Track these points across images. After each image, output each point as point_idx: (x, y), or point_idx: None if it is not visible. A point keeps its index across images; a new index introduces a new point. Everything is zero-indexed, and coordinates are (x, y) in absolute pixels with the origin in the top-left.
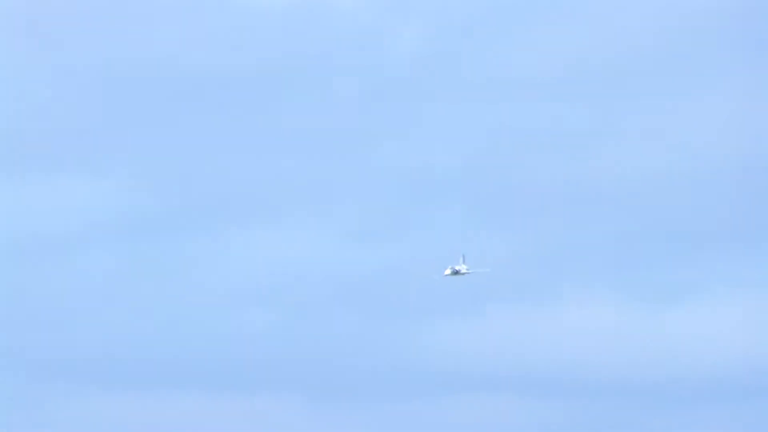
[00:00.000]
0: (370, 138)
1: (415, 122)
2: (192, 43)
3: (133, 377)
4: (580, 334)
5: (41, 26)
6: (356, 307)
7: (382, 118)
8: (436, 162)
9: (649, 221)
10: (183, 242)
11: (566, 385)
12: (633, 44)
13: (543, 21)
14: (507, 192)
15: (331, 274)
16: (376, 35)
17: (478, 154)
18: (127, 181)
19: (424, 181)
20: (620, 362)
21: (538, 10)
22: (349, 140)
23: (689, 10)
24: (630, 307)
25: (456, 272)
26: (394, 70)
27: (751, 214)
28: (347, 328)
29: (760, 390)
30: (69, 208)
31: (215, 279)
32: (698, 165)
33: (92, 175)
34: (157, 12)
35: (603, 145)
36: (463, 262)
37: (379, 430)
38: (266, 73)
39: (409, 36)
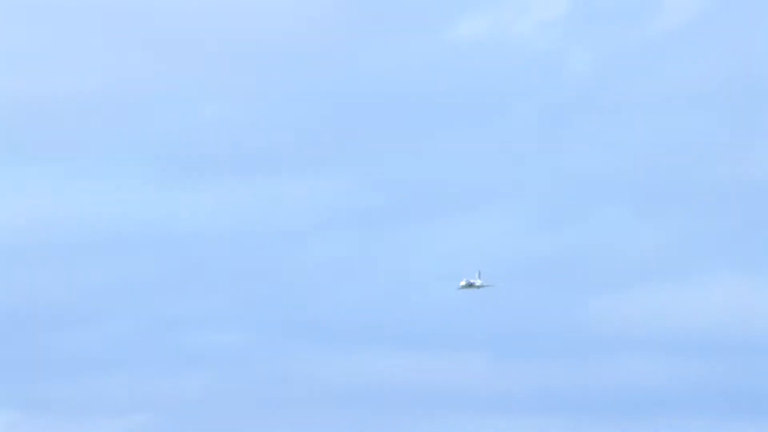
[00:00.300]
0: (552, 145)
1: (587, 132)
2: (402, 69)
3: (354, 340)
4: (718, 304)
5: (278, 50)
6: (536, 282)
7: (561, 130)
8: (604, 165)
9: None
10: (399, 230)
11: (704, 347)
12: None
13: (701, 42)
14: (662, 190)
15: (516, 256)
16: (553, 59)
17: (638, 159)
18: (355, 181)
19: (594, 181)
20: (749, 327)
21: (698, 34)
22: (534, 147)
23: None
24: (755, 281)
25: (470, 285)
26: (570, 89)
27: None
28: (529, 298)
29: None
30: (310, 204)
31: (424, 260)
32: None
33: (328, 177)
34: (376, 43)
35: (744, 151)
36: (479, 277)
37: (552, 383)
38: (462, 94)
39: (580, 60)
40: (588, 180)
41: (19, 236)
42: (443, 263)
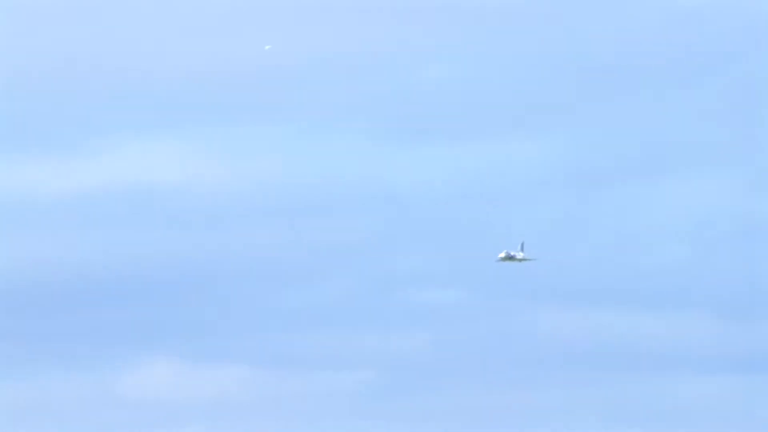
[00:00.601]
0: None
1: None
2: (623, 31)
3: (573, 298)
4: None
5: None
6: (756, 245)
7: None
8: None
9: None
10: (618, 190)
11: None
12: None
13: None
14: None
15: (734, 218)
16: None
17: None
18: (574, 141)
19: None
20: None
21: None
22: (756, 107)
23: None
24: None
25: (511, 257)
26: None
27: None
28: (747, 260)
29: None
30: (530, 163)
31: (643, 219)
32: None
33: (547, 136)
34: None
35: None
36: (521, 249)
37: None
38: (683, 55)
39: None
40: None
41: (248, 196)
42: (661, 223)
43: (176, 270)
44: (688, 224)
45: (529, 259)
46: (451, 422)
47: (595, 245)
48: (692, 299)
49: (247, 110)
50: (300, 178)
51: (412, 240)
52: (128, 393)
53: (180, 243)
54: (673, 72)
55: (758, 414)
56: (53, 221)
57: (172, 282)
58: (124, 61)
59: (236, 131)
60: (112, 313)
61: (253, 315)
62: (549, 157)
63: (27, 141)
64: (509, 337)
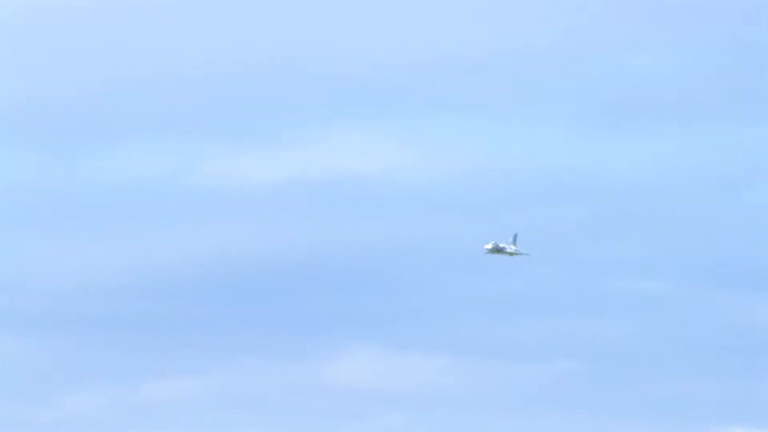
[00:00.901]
0: None
1: None
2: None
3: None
4: None
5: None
6: None
7: None
8: None
9: None
10: None
11: None
12: None
13: None
14: None
15: None
16: None
17: None
18: None
19: None
20: None
21: None
22: None
23: None
24: None
25: (499, 249)
26: None
27: None
28: None
29: None
30: (743, 151)
31: None
32: None
33: (751, 125)
34: None
35: None
36: (513, 242)
37: None
38: None
39: None
40: None
41: (452, 185)
42: None
43: (379, 258)
44: None
45: (521, 254)
46: (655, 412)
47: None
48: None
49: (450, 99)
50: (505, 166)
51: (617, 227)
52: (330, 382)
53: (382, 232)
54: None
55: None
56: (259, 210)
57: (374, 271)
58: (328, 53)
59: (439, 120)
60: (315, 302)
61: (455, 304)
62: (757, 145)
63: (235, 132)
64: (716, 327)
